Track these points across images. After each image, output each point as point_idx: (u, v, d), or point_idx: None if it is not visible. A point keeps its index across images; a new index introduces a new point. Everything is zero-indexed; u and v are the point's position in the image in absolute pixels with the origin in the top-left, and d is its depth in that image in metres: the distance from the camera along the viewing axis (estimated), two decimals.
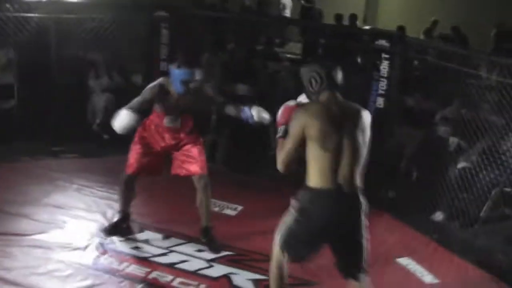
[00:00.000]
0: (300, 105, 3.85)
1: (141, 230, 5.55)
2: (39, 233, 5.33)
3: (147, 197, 6.23)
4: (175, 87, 5.12)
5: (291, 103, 3.96)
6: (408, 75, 7.87)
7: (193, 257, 5.16)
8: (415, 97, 7.34)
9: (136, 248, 5.24)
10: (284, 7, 17.09)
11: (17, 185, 6.33)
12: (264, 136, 7.97)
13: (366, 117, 3.83)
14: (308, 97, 3.90)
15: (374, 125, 6.54)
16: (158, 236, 5.49)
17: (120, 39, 8.11)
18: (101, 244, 5.23)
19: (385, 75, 6.66)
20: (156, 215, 5.94)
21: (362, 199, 3.80)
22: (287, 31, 15.20)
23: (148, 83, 6.51)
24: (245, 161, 7.67)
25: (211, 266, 5.08)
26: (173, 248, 5.30)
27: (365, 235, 3.85)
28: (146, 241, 5.37)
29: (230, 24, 10.13)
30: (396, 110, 7.03)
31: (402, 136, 7.26)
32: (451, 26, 13.31)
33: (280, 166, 3.74)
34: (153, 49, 7.73)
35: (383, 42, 6.63)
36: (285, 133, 3.78)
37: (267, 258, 4.38)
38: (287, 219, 3.83)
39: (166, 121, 5.29)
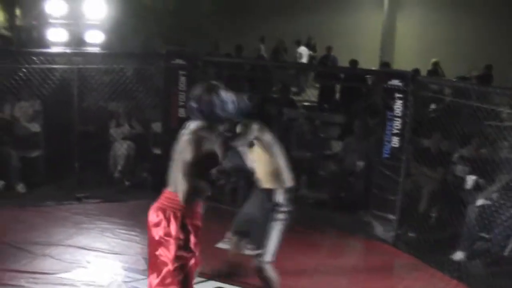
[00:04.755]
0: None
1: None
2: (64, 272, 5.51)
3: None
4: None
5: None
6: (424, 116, 7.91)
7: None
8: (433, 138, 7.32)
9: None
10: (300, 56, 17.39)
11: (42, 227, 6.58)
12: None
13: None
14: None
15: (390, 164, 6.75)
16: None
17: (139, 88, 8.32)
18: (124, 282, 5.35)
19: (399, 115, 6.74)
20: None
21: None
22: (303, 79, 15.49)
23: (167, 129, 6.64)
24: None
25: None
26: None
27: None
28: None
29: (245, 71, 10.34)
30: (411, 148, 7.04)
31: (420, 177, 7.28)
32: (485, 64, 13.62)
33: None
34: (171, 96, 7.89)
35: (396, 82, 6.74)
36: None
37: None
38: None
39: None
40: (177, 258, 3.69)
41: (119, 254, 6.04)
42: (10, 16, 34.56)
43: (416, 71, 9.99)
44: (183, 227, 3.71)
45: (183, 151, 3.67)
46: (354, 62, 12.86)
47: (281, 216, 4.71)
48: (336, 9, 20.26)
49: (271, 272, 4.74)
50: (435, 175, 7.22)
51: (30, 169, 8.02)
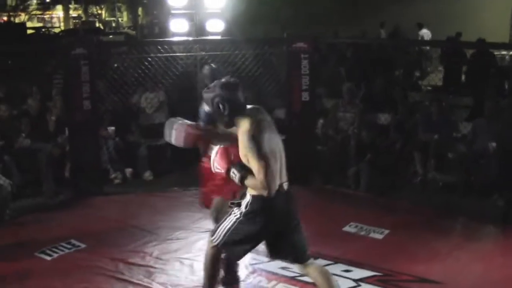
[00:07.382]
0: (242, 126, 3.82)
1: None
2: (189, 253, 5.65)
3: None
4: None
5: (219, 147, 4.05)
6: None
7: (340, 277, 5.06)
8: None
9: (284, 268, 5.24)
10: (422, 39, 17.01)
11: (169, 212, 6.80)
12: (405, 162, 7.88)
13: None
14: (219, 120, 3.94)
15: None
16: None
17: (261, 74, 8.31)
18: (250, 264, 5.34)
19: None
20: None
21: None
22: (426, 63, 15.11)
23: (291, 114, 6.58)
24: (389, 186, 7.57)
25: (358, 286, 5.03)
26: None
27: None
28: None
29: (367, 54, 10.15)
30: None
31: None
32: None
33: (268, 188, 3.75)
34: (294, 80, 7.76)
35: None
36: (242, 169, 3.81)
37: (413, 278, 4.84)
38: (230, 221, 3.97)
39: None
40: None
41: None
42: (134, 16, 36.50)
43: None
44: None
45: None
46: (482, 41, 12.27)
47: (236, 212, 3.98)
48: None
49: (214, 260, 4.17)
50: None
51: (157, 157, 8.24)
